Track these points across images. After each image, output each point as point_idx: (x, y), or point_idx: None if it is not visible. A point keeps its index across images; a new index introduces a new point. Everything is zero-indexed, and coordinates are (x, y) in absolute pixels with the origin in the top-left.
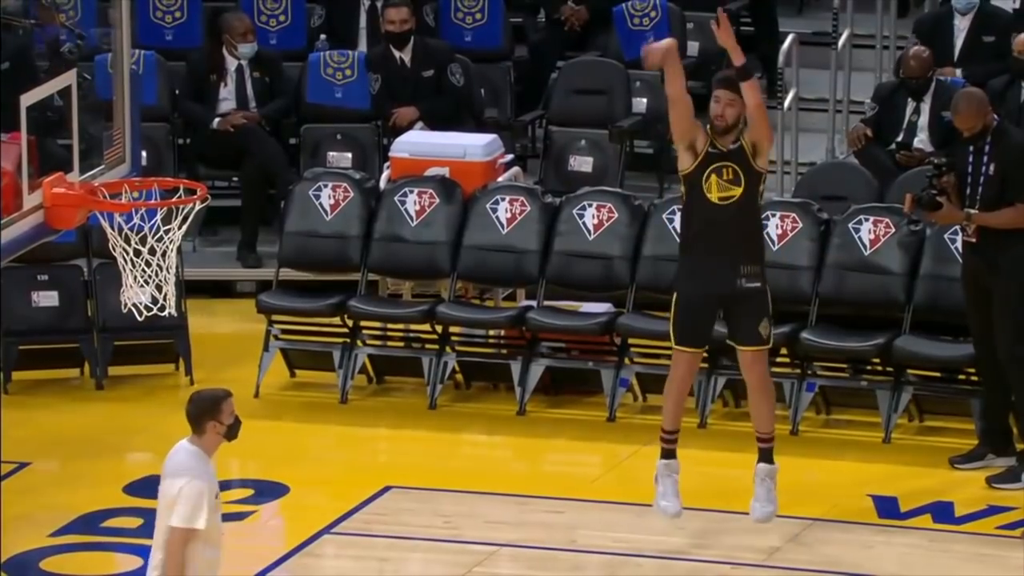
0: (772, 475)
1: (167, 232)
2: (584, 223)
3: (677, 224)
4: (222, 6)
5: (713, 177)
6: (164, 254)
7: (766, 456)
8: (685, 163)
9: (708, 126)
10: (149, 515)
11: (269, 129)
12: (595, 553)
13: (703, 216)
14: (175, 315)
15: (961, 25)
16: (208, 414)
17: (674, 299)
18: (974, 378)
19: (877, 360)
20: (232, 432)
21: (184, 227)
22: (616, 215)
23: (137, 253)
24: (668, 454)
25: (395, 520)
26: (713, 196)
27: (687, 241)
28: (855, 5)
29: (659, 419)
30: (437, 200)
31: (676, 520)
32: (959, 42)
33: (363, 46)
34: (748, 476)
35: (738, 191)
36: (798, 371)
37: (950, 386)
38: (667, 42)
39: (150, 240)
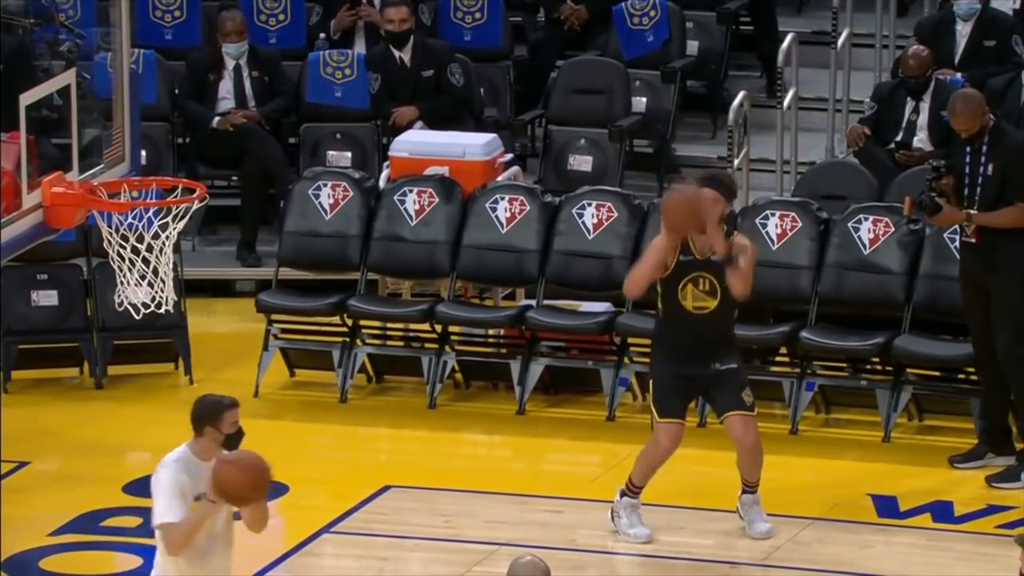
0: (757, 501)
1: (163, 229)
2: (583, 222)
3: None
4: (222, 5)
5: (689, 287)
6: (161, 251)
7: (750, 491)
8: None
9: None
10: (149, 514)
11: (269, 128)
12: (595, 553)
13: (677, 320)
14: (172, 312)
15: (963, 30)
16: (208, 419)
17: (652, 376)
18: (973, 377)
19: (877, 359)
20: (231, 442)
21: (181, 224)
22: (615, 214)
23: (135, 251)
24: (633, 495)
25: (395, 519)
26: (688, 305)
27: (661, 336)
28: (854, 4)
29: None
30: (437, 199)
31: (671, 519)
32: (960, 46)
33: (361, 45)
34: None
35: (713, 303)
36: (798, 370)
37: (950, 385)
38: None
39: (147, 238)
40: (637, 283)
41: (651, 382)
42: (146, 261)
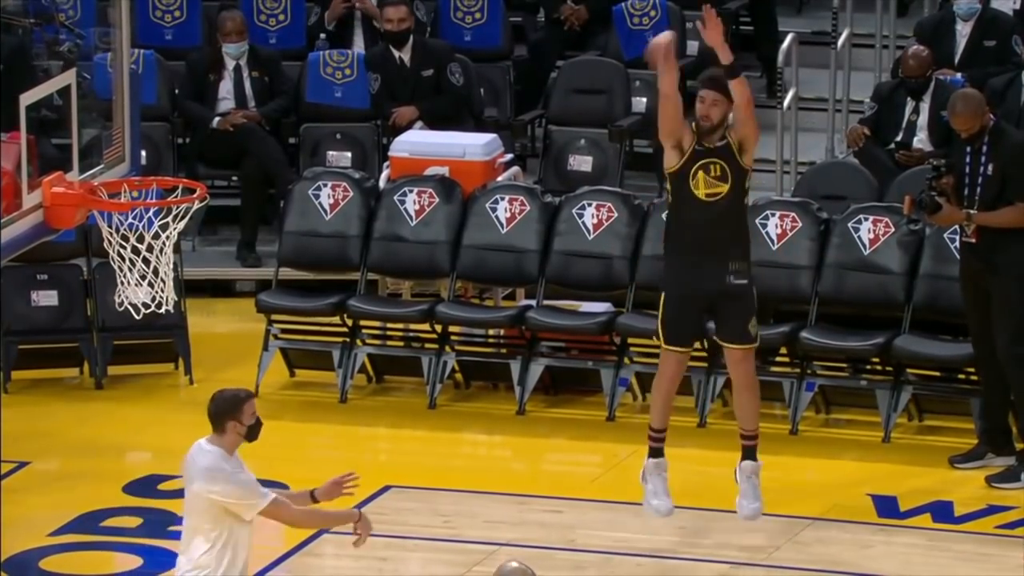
0: (757, 472)
1: (163, 229)
2: (583, 222)
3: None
4: (222, 6)
5: (700, 174)
6: (161, 251)
7: (750, 453)
8: (671, 161)
9: (693, 125)
10: (148, 515)
11: (269, 128)
12: (594, 552)
13: (691, 213)
14: (172, 312)
15: (963, 30)
16: (228, 413)
17: (661, 299)
18: (973, 377)
19: (877, 359)
20: (252, 433)
21: (181, 224)
22: (616, 214)
23: (135, 251)
24: (656, 452)
25: (395, 520)
26: (700, 193)
27: (674, 239)
28: (854, 5)
29: None
30: (437, 199)
31: (672, 519)
32: (960, 47)
33: (360, 45)
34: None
35: (725, 188)
36: (798, 370)
37: (950, 385)
38: (667, 36)
39: (147, 238)
40: (664, 121)
41: (661, 301)
42: (146, 261)
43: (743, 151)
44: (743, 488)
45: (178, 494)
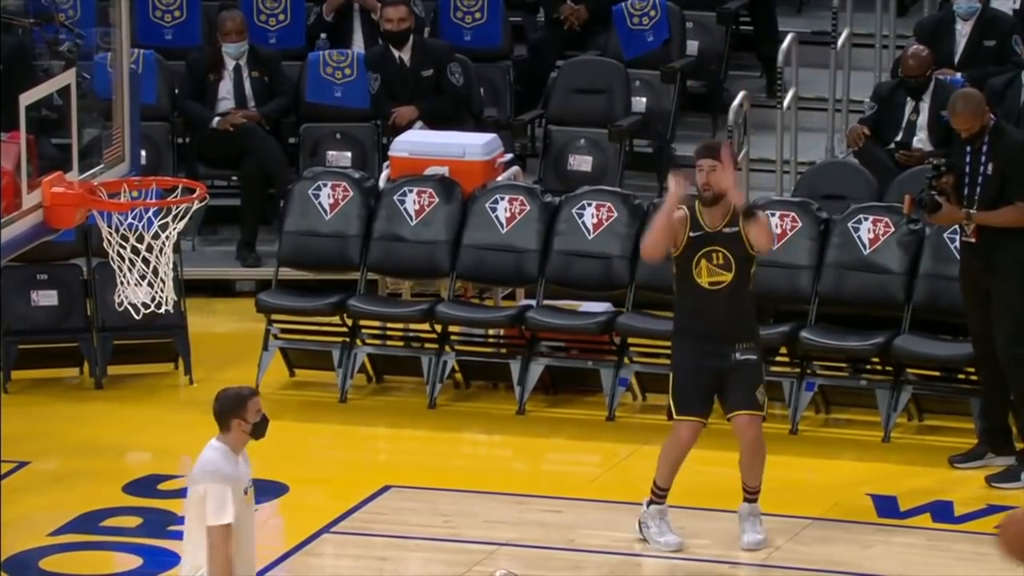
0: (756, 512)
1: (163, 228)
2: (583, 222)
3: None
4: (222, 5)
5: (703, 263)
6: (161, 251)
7: (750, 500)
8: (672, 249)
9: (695, 204)
10: (148, 514)
11: (268, 128)
12: (594, 553)
13: (694, 300)
14: (172, 312)
15: (963, 30)
16: (233, 412)
17: (672, 373)
18: (973, 377)
19: (876, 359)
20: (258, 430)
21: (181, 224)
22: (615, 214)
23: (135, 251)
24: (658, 503)
25: (394, 519)
26: (703, 281)
27: (680, 320)
28: (854, 4)
29: (658, 418)
30: (436, 199)
31: (671, 519)
32: (960, 46)
33: (360, 45)
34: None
35: (729, 276)
36: (798, 370)
37: (949, 385)
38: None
39: (147, 238)
40: (652, 247)
41: (671, 376)
42: (146, 261)
43: (752, 245)
44: (743, 526)
45: (178, 494)
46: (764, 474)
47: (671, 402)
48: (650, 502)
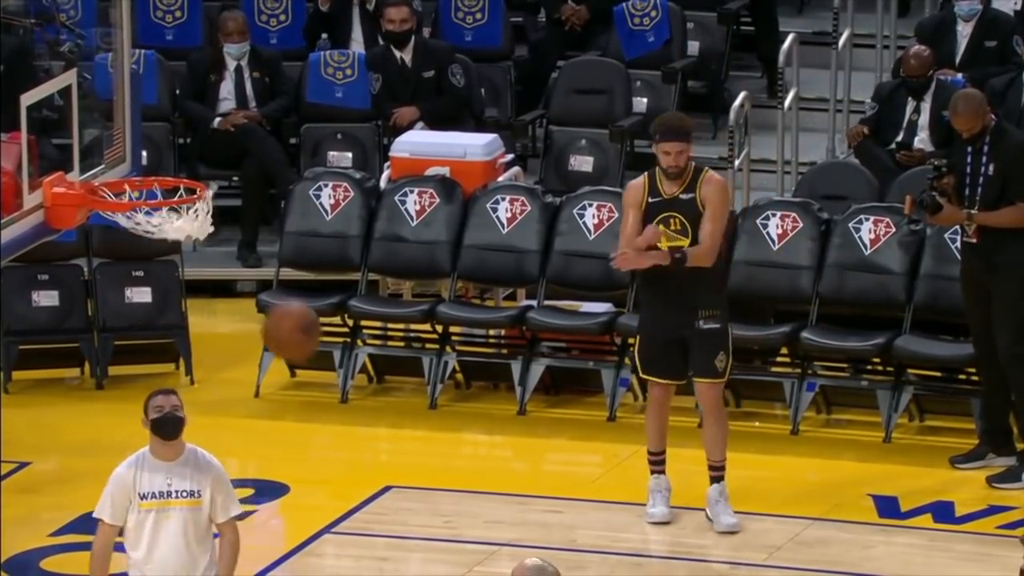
0: (723, 493)
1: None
2: (584, 223)
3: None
4: (223, 6)
5: (661, 227)
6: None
7: (716, 480)
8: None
9: (655, 171)
10: None
11: (269, 129)
12: (595, 553)
13: (654, 266)
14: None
15: (964, 31)
16: (144, 413)
17: (637, 335)
18: (974, 378)
19: (877, 360)
20: (156, 427)
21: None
22: (617, 215)
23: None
24: (657, 472)
25: (395, 520)
26: (662, 246)
27: (643, 287)
28: (855, 5)
29: None
30: (437, 200)
31: (672, 518)
32: (961, 47)
33: (360, 45)
34: (748, 476)
35: (686, 241)
36: (798, 371)
37: (950, 386)
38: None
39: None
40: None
41: (637, 336)
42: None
43: (703, 207)
44: (714, 511)
45: None
46: (766, 474)
47: (636, 361)
48: (650, 471)
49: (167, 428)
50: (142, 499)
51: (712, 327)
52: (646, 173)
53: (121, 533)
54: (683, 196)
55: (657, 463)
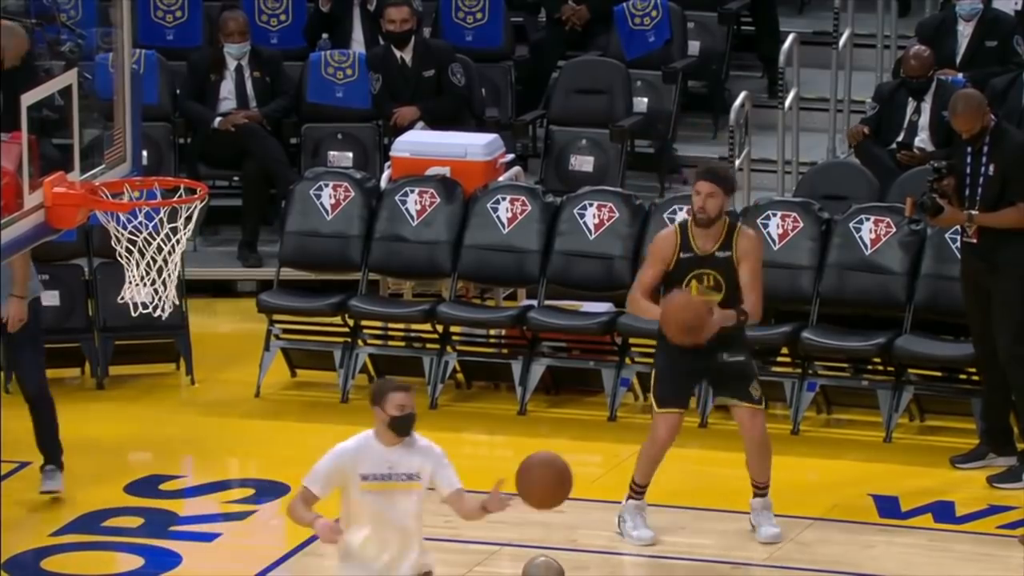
0: (768, 506)
1: (173, 232)
2: (585, 223)
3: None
4: (224, 6)
5: (693, 283)
6: (170, 254)
7: (760, 496)
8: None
9: (687, 223)
10: (150, 515)
11: (270, 129)
12: (595, 553)
13: None
14: (165, 317)
15: (965, 31)
16: (374, 400)
17: (654, 367)
18: (975, 378)
19: (878, 359)
20: (395, 424)
21: (189, 230)
22: (617, 215)
23: (142, 252)
24: (635, 498)
25: None
26: None
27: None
28: (856, 5)
29: None
30: (438, 200)
31: (673, 519)
32: (962, 47)
33: (359, 42)
34: (748, 476)
35: (718, 297)
36: (799, 370)
37: (951, 386)
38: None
39: (157, 239)
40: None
41: (653, 372)
42: (153, 260)
43: (739, 265)
44: (757, 520)
45: (179, 494)
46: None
47: (652, 397)
48: (629, 497)
49: (406, 428)
50: (363, 480)
51: (738, 359)
52: (677, 225)
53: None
54: (719, 254)
55: (641, 494)
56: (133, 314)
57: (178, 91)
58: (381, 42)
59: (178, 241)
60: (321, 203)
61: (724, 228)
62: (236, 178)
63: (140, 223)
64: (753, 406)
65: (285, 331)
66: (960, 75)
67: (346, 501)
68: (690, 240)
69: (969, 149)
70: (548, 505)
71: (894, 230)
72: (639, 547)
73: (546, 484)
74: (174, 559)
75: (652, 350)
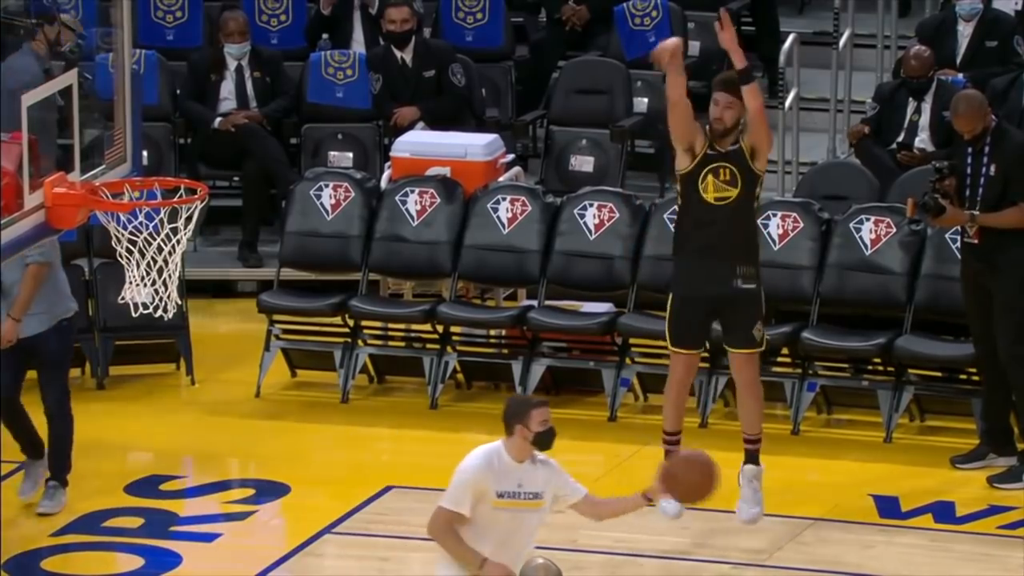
0: (758, 476)
1: (174, 233)
2: (585, 223)
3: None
4: (224, 6)
5: (710, 178)
6: (170, 254)
7: (752, 457)
8: (683, 163)
9: (707, 128)
10: (150, 515)
11: (270, 129)
12: (595, 553)
13: (698, 216)
14: (169, 318)
15: (965, 31)
16: (516, 418)
17: (669, 300)
18: (975, 378)
19: (878, 360)
20: (540, 440)
21: (190, 230)
22: (617, 215)
23: (142, 252)
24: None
25: (396, 520)
26: (709, 196)
27: (682, 241)
28: (856, 5)
29: (661, 419)
30: (438, 200)
31: (676, 520)
32: (962, 47)
33: (361, 45)
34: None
35: (734, 192)
36: (799, 371)
37: (951, 386)
38: (674, 42)
39: (157, 240)
40: (675, 127)
41: (670, 300)
42: (153, 261)
43: (755, 156)
44: (744, 492)
45: (180, 495)
46: (767, 474)
47: (666, 330)
48: (664, 455)
49: (548, 443)
50: (499, 497)
51: (750, 287)
52: (707, 125)
53: None
54: (731, 147)
55: (673, 444)
56: (133, 314)
57: (178, 91)
58: (381, 42)
59: (178, 241)
60: (321, 203)
61: (738, 130)
62: (236, 178)
63: (140, 223)
64: (750, 351)
65: (285, 331)
66: (960, 75)
67: (472, 517)
68: (712, 141)
69: (970, 149)
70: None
71: (894, 230)
72: (638, 545)
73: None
74: (174, 559)
75: (652, 351)
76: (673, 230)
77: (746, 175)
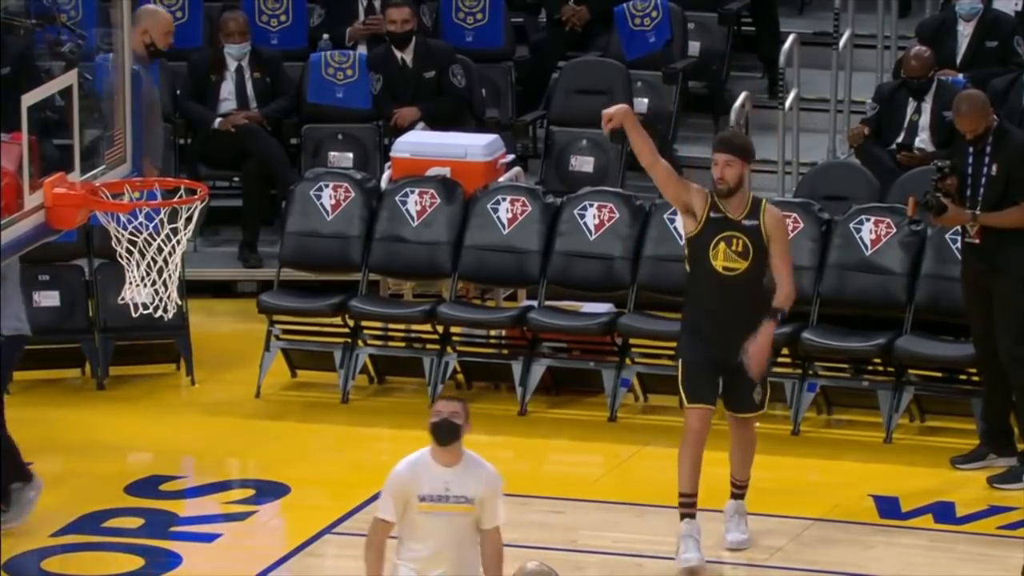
0: (742, 511)
1: (174, 233)
2: (585, 223)
3: (678, 224)
4: (224, 6)
5: (722, 245)
6: (170, 254)
7: (737, 497)
8: (688, 226)
9: (709, 192)
10: (150, 515)
11: (270, 129)
12: (595, 553)
13: (707, 285)
14: (169, 318)
15: (965, 31)
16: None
17: (679, 362)
18: (975, 378)
19: (878, 360)
20: (431, 432)
21: (190, 230)
22: (617, 215)
23: (142, 253)
24: (688, 516)
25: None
26: (718, 265)
27: (690, 307)
28: (856, 5)
29: (661, 419)
30: (438, 200)
31: (675, 521)
32: (962, 47)
33: (362, 46)
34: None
35: (744, 264)
36: (799, 371)
37: (951, 386)
38: (619, 108)
39: (157, 240)
40: (663, 190)
41: (679, 364)
42: (153, 261)
43: (770, 242)
44: (727, 525)
45: (180, 495)
46: (767, 474)
47: (680, 389)
48: (680, 515)
49: (440, 434)
50: (421, 500)
51: None
52: (707, 191)
53: None
54: (746, 222)
55: (690, 505)
56: (133, 314)
57: (178, 91)
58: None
59: (178, 242)
60: (321, 203)
61: (748, 199)
62: (236, 178)
63: (140, 224)
64: (749, 415)
65: (285, 331)
66: (960, 75)
67: (405, 523)
68: (718, 203)
69: (971, 149)
70: None
71: (894, 231)
72: (637, 545)
73: None
74: (174, 559)
75: (652, 351)
76: (685, 288)
77: (759, 251)
